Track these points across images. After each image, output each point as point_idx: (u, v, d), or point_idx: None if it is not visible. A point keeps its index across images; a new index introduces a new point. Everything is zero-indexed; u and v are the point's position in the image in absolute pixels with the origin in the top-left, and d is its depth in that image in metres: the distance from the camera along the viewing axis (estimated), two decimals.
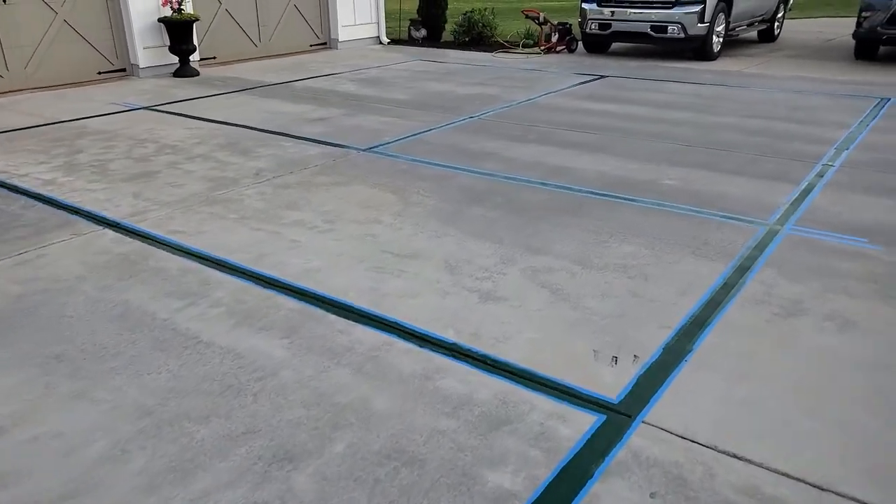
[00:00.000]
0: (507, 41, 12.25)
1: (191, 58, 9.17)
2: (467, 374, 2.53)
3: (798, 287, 3.20)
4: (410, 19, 13.18)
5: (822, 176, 4.80)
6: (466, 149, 5.58)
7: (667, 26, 10.08)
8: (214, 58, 9.99)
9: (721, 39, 10.55)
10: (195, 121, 6.55)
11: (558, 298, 3.10)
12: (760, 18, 12.13)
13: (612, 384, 2.48)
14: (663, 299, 3.10)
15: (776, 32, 12.91)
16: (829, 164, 5.08)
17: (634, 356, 2.65)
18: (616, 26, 10.51)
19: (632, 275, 3.33)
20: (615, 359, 2.63)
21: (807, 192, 4.49)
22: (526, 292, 3.16)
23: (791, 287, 3.20)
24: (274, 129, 6.20)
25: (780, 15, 12.84)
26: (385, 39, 12.55)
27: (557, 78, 8.98)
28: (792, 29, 14.47)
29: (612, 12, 10.49)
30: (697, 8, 9.88)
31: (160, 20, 8.73)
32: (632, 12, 10.31)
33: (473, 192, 4.53)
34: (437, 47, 12.26)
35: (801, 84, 8.34)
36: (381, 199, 4.40)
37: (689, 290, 3.18)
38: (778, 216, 4.08)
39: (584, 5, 10.83)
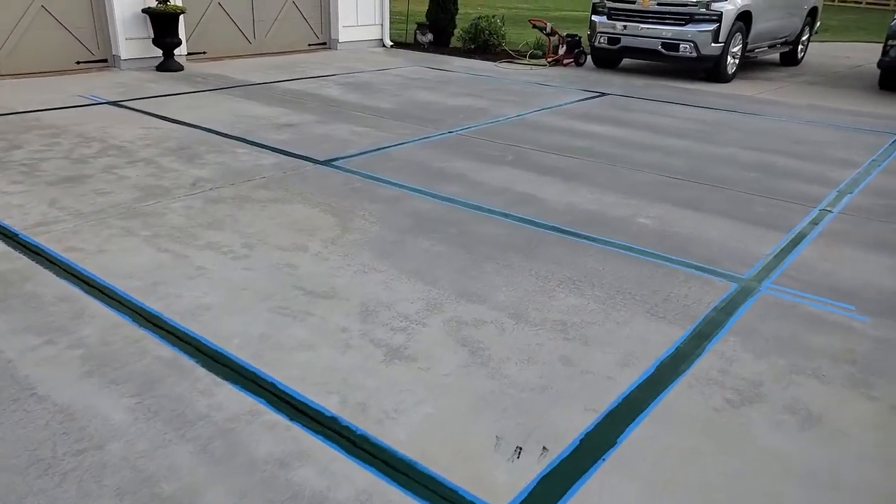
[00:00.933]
0: (515, 51, 11.81)
1: (176, 52, 8.84)
2: (334, 460, 2.09)
3: (762, 364, 2.72)
4: (417, 23, 12.78)
5: (816, 223, 4.30)
6: (433, 168, 5.14)
7: (679, 44, 9.56)
8: (204, 53, 9.65)
9: (736, 61, 10.01)
10: (157, 120, 6.18)
11: (476, 361, 2.65)
12: (783, 40, 11.55)
13: (505, 487, 2.03)
14: (598, 370, 2.63)
15: (800, 56, 12.31)
16: (828, 209, 4.57)
17: (543, 448, 2.19)
18: (625, 41, 10.01)
19: (570, 335, 2.87)
20: (519, 450, 2.18)
21: (796, 242, 4.00)
22: (441, 351, 2.71)
23: (753, 364, 2.72)
24: (235, 134, 5.81)
25: (804, 37, 12.25)
26: (388, 42, 12.16)
27: (556, 93, 8.52)
28: (819, 52, 13.87)
29: (624, 26, 10.00)
30: (712, 27, 9.36)
31: (144, 11, 8.40)
32: (643, 27, 9.82)
33: (425, 220, 4.09)
34: (443, 53, 11.84)
35: (814, 114, 7.80)
36: (319, 221, 3.98)
37: (631, 359, 2.71)
38: (757, 270, 3.59)
39: (594, 17, 10.35)
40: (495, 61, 11.08)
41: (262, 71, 9.06)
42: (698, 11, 9.42)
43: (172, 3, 8.44)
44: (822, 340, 2.92)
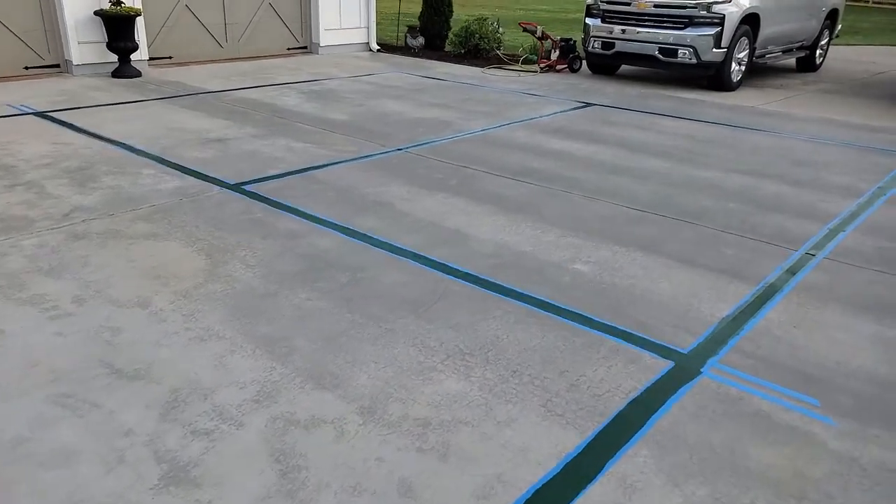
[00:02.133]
0: (509, 56, 11.11)
1: (136, 57, 8.32)
2: None
3: (674, 498, 2.00)
4: (408, 26, 12.13)
5: (794, 273, 3.54)
6: (360, 194, 4.49)
7: (677, 50, 8.77)
8: (170, 58, 9.13)
9: (742, 68, 9.18)
10: (76, 134, 5.62)
11: (282, 489, 1.98)
12: (799, 45, 10.66)
13: None
14: None
15: (818, 61, 11.38)
16: (812, 253, 3.81)
17: None
18: (620, 46, 9.24)
19: (427, 444, 2.19)
20: None
21: (763, 299, 3.25)
22: (243, 470, 2.05)
23: (663, 496, 2.00)
24: (153, 152, 5.22)
25: (823, 41, 11.33)
26: (375, 46, 11.53)
27: (537, 103, 7.80)
28: (841, 57, 12.94)
29: (622, 30, 9.22)
30: (713, 31, 8.54)
31: (97, 13, 7.87)
32: (640, 31, 9.04)
33: (318, 264, 3.43)
34: (433, 58, 11.17)
35: (822, 129, 6.97)
36: (185, 265, 3.34)
37: (496, 487, 2.02)
38: (704, 340, 2.87)
39: (588, 20, 9.60)
40: (484, 67, 10.39)
41: (225, 78, 8.49)
42: (698, 14, 8.62)
43: (127, 5, 7.90)
44: (766, 456, 2.20)
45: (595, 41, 9.49)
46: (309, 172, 4.90)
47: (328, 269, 3.39)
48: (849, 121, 7.43)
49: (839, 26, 11.96)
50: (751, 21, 8.96)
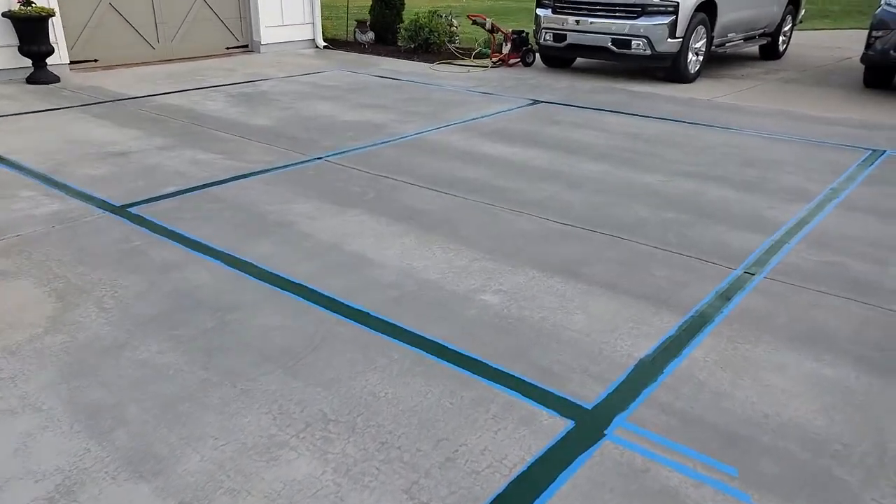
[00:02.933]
0: (462, 50, 10.67)
1: (56, 61, 7.76)
2: None
3: None
4: (357, 20, 11.63)
5: (728, 298, 3.16)
6: (259, 214, 4.04)
7: (630, 41, 8.37)
8: (96, 61, 8.56)
9: (700, 58, 8.81)
10: None
11: None
12: (761, 32, 10.32)
13: None
14: None
15: (781, 48, 11.06)
16: (751, 272, 3.43)
17: None
18: (572, 38, 8.82)
19: None
20: None
21: (691, 333, 2.86)
22: None
23: None
24: (41, 170, 4.72)
25: (786, 28, 11.00)
26: (321, 43, 11.01)
27: (482, 102, 7.37)
28: (806, 42, 12.64)
29: (574, 21, 8.77)
30: (667, 19, 8.16)
31: (4, 14, 7.30)
32: (592, 22, 8.62)
33: (185, 303, 2.99)
34: (382, 54, 10.70)
35: (778, 123, 6.62)
36: (29, 311, 2.88)
37: None
38: (613, 391, 2.47)
39: (539, 11, 9.17)
40: (433, 62, 9.93)
41: (152, 82, 7.95)
42: (651, 3, 8.22)
43: (38, 5, 7.33)
44: None
45: (547, 33, 9.07)
46: (209, 189, 4.44)
47: (195, 310, 2.95)
48: (806, 113, 7.08)
49: (803, 11, 11.65)
50: (707, 8, 8.60)
